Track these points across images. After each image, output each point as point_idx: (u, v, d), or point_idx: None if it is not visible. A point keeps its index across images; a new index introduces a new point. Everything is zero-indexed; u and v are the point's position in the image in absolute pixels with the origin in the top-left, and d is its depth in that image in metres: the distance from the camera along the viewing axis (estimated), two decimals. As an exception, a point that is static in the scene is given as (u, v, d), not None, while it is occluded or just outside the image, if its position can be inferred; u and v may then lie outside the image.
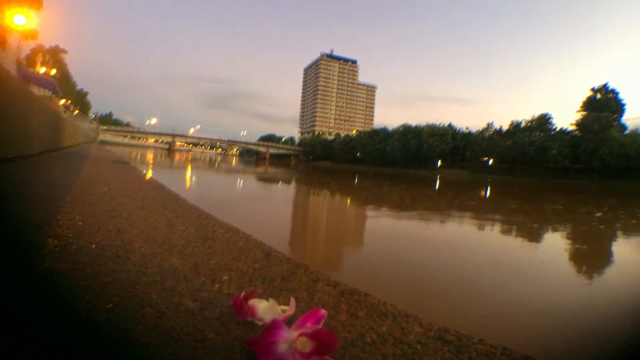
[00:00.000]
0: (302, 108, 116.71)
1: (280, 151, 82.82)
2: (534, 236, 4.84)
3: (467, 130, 51.21)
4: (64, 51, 36.88)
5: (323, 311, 0.79)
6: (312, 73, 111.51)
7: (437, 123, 52.56)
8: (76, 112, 27.52)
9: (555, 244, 4.45)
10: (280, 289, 1.23)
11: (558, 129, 42.42)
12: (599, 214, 7.83)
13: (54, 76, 25.10)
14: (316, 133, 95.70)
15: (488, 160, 46.35)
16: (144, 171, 8.49)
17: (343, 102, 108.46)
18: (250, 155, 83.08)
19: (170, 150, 60.10)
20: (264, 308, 0.90)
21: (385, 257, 3.06)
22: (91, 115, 50.70)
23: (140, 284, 1.08)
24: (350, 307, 1.11)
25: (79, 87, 46.37)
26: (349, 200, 8.49)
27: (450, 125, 52.30)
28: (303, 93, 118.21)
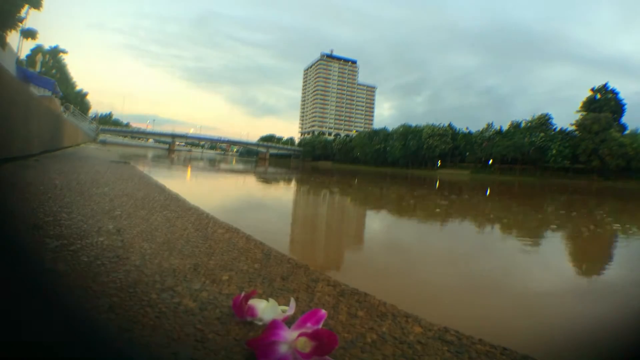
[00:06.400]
0: (302, 108, 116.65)
1: (280, 151, 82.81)
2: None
3: (467, 130, 51.24)
4: (64, 52, 36.87)
5: (323, 311, 0.79)
6: (312, 73, 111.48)
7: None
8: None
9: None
10: (280, 289, 1.23)
11: (558, 129, 42.50)
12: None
13: (53, 76, 25.10)
14: (316, 133, 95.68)
15: (488, 160, 46.36)
16: (144, 171, 8.48)
17: (343, 102, 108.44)
18: (250, 156, 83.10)
19: (170, 150, 60.10)
20: (264, 308, 0.90)
21: (384, 257, 3.06)
22: (91, 115, 50.66)
23: (140, 284, 1.08)
24: (350, 307, 1.11)
25: (78, 88, 46.32)
26: (347, 201, 8.48)
27: (450, 125, 52.32)
28: (303, 93, 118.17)
